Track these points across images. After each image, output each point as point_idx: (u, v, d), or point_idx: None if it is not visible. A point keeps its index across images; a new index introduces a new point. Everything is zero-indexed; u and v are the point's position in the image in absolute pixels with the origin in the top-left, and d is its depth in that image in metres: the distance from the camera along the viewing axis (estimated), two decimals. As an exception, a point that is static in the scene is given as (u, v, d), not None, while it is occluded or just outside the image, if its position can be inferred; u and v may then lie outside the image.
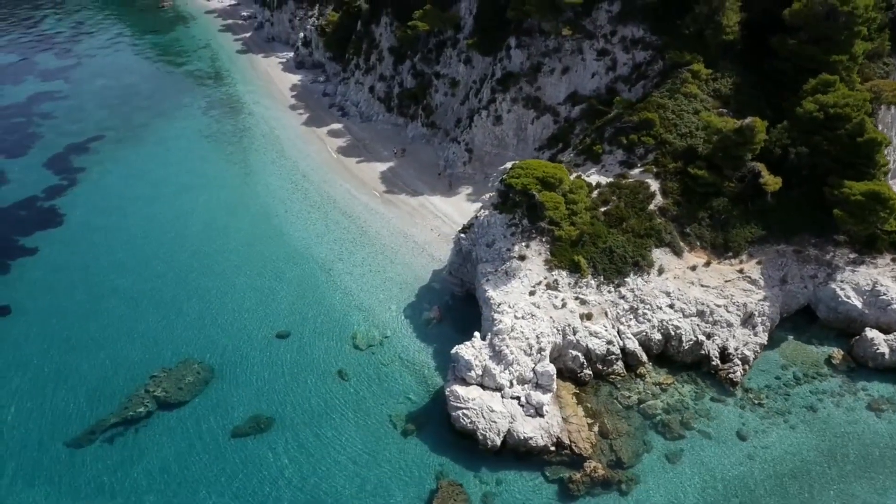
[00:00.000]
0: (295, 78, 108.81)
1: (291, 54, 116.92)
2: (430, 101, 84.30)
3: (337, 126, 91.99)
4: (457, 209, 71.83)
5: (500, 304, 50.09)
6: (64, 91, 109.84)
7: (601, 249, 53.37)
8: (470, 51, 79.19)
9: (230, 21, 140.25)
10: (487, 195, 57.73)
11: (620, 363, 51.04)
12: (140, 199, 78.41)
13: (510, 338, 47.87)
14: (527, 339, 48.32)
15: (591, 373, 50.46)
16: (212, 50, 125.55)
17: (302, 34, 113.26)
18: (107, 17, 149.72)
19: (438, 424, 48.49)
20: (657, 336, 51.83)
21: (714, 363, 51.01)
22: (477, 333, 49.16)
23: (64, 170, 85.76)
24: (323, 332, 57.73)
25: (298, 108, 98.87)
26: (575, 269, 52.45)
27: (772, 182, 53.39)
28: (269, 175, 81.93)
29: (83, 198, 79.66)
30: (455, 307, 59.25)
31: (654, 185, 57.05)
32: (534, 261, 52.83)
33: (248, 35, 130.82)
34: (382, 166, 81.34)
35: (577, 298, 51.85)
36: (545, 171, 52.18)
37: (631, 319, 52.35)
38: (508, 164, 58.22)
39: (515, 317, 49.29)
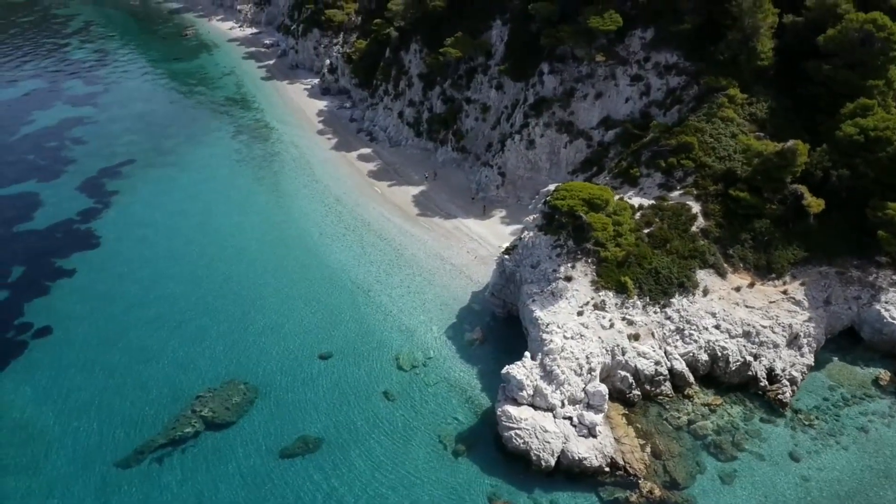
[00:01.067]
0: (321, 104, 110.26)
1: (316, 81, 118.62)
2: (461, 125, 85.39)
3: (366, 151, 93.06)
4: (492, 232, 72.39)
5: (548, 325, 50.30)
6: (93, 116, 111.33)
7: (647, 270, 53.75)
8: (501, 76, 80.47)
9: (253, 49, 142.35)
10: (531, 217, 58.30)
11: (668, 384, 51.07)
12: (174, 221, 79.11)
13: (561, 357, 48.00)
14: (577, 359, 48.44)
15: (639, 393, 50.49)
16: (237, 77, 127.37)
17: (328, 61, 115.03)
18: (131, 45, 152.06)
19: (489, 445, 48.47)
20: (704, 357, 51.92)
21: (762, 384, 51.00)
22: (527, 353, 49.30)
23: (97, 193, 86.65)
24: (365, 354, 57.90)
25: (326, 133, 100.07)
26: (621, 289, 52.77)
27: (815, 204, 53.90)
28: (301, 198, 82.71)
29: (118, 220, 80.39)
30: (497, 328, 59.48)
31: (696, 208, 57.58)
32: (580, 281, 53.16)
33: (271, 62, 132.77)
34: (414, 190, 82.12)
35: (624, 319, 52.07)
36: (591, 192, 52.79)
37: (677, 340, 52.50)
38: (551, 187, 58.94)
39: (565, 337, 49.47)
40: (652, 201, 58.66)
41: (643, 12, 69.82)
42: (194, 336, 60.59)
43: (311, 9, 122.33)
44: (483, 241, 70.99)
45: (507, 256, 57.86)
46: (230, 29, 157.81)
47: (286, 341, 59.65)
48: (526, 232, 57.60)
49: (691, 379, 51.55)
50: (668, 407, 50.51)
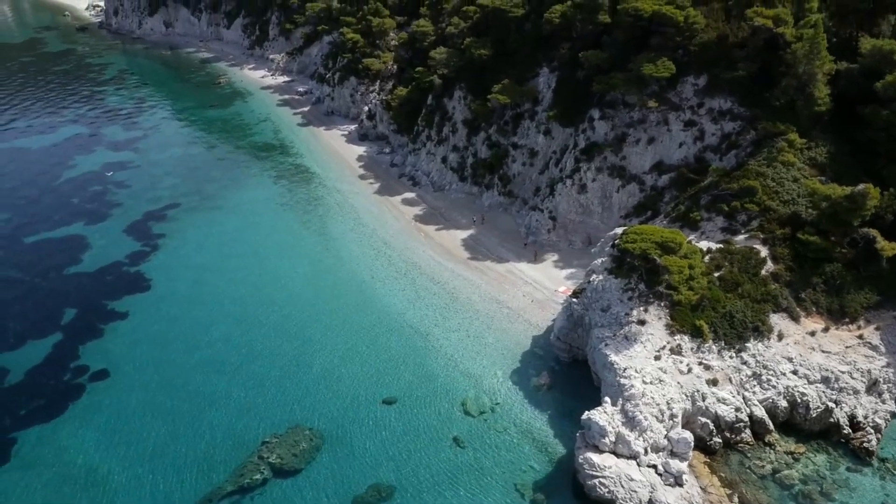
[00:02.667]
0: (360, 149, 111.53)
1: (353, 127, 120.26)
2: (507, 170, 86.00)
3: (410, 195, 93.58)
4: (546, 275, 72.06)
5: (625, 369, 49.47)
6: (135, 161, 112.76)
7: (721, 314, 53.09)
8: (550, 122, 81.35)
9: (286, 96, 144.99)
10: (599, 260, 57.97)
11: (748, 431, 49.87)
12: (224, 264, 79.06)
13: (643, 403, 47.03)
14: (657, 404, 47.45)
15: (720, 441, 49.28)
16: (273, 123, 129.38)
17: (366, 108, 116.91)
18: (166, 93, 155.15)
19: (567, 493, 47.27)
20: (783, 403, 50.83)
21: (845, 431, 49.74)
22: (607, 398, 48.35)
23: (145, 236, 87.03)
24: (430, 399, 56.97)
25: (368, 177, 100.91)
26: (697, 333, 52.06)
27: (888, 248, 53.48)
28: (349, 242, 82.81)
29: (167, 263, 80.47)
30: (562, 373, 58.58)
31: (764, 251, 57.20)
32: (654, 325, 52.49)
33: (306, 109, 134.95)
34: (463, 234, 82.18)
35: (700, 364, 51.20)
36: (663, 235, 52.59)
37: (755, 386, 51.48)
38: (618, 230, 58.79)
39: (644, 382, 48.57)
40: (719, 245, 58.33)
41: (695, 60, 70.90)
42: (254, 380, 59.83)
43: (347, 58, 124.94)
44: (538, 284, 70.58)
45: (574, 300, 57.34)
46: (262, 77, 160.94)
47: (348, 386, 58.82)
48: (594, 275, 57.20)
49: (771, 426, 50.36)
50: (749, 455, 49.22)
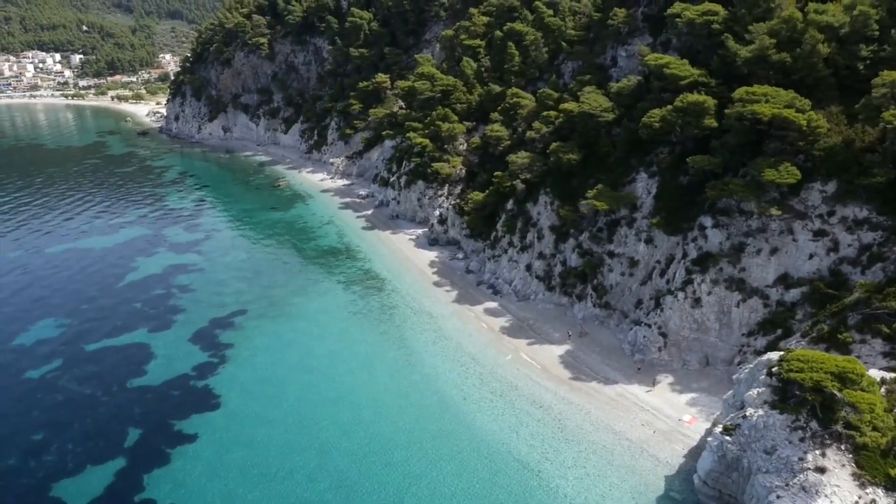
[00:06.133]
0: (431, 255, 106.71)
1: (420, 231, 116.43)
2: (603, 280, 79.65)
3: (492, 305, 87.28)
4: (664, 401, 63.86)
5: (813, 532, 40.57)
6: (198, 264, 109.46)
7: (916, 462, 44.31)
8: (652, 230, 75.65)
9: (348, 199, 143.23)
10: (754, 391, 49.97)
11: None
12: (299, 380, 72.58)
13: (847, 580, 37.86)
14: (863, 581, 38.21)
15: None
16: (336, 226, 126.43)
17: (437, 212, 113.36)
18: (227, 195, 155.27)
19: None
20: None
21: None
22: (800, 571, 39.25)
23: (211, 346, 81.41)
24: (556, 554, 48.19)
25: (443, 285, 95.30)
26: (891, 485, 43.10)
27: None
28: (433, 356, 75.94)
29: (237, 377, 74.13)
30: (711, 526, 49.49)
31: (948, 382, 48.89)
32: (837, 474, 43.75)
33: (369, 212, 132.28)
34: (559, 349, 74.87)
35: (901, 525, 42.01)
36: (838, 364, 44.91)
37: (970, 554, 41.85)
38: (773, 356, 51.22)
39: (841, 549, 39.55)
40: (892, 374, 50.14)
41: (821, 165, 65.40)
42: (343, 521, 51.87)
43: (416, 162, 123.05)
44: (657, 412, 62.34)
45: (727, 438, 49.00)
46: (321, 180, 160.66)
47: (454, 533, 50.45)
48: (749, 409, 49.12)
49: None
50: None
